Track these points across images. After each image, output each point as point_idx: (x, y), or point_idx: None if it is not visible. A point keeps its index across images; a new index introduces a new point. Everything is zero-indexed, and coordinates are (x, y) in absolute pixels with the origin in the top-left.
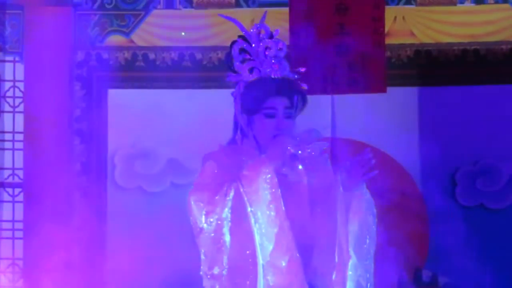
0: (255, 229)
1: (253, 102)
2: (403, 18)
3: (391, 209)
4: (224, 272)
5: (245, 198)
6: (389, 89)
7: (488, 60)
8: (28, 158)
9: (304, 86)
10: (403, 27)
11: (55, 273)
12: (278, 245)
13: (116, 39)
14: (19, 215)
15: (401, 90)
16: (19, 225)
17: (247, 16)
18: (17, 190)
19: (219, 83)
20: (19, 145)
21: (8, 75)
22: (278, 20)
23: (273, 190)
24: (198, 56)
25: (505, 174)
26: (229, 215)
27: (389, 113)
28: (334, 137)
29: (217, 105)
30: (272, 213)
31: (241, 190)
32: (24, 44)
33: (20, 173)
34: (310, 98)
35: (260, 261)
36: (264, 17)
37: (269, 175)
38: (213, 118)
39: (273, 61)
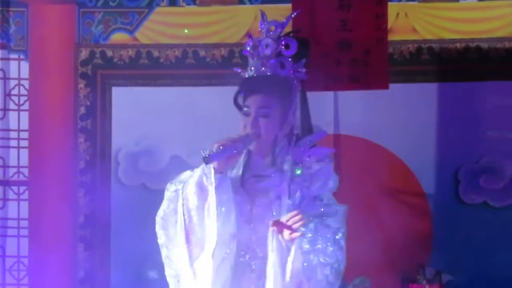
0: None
1: (235, 100)
2: (406, 14)
3: (394, 207)
4: None
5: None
6: (391, 85)
7: (490, 57)
8: (33, 156)
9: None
10: (406, 24)
11: (60, 271)
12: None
13: (120, 37)
14: (24, 213)
15: (403, 87)
16: (24, 223)
17: (250, 13)
18: (22, 188)
19: (222, 80)
20: (24, 143)
21: (13, 73)
22: (281, 16)
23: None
24: (202, 53)
25: (509, 172)
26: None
27: (392, 109)
28: (337, 133)
29: (221, 102)
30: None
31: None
32: (28, 42)
33: (25, 171)
34: (312, 94)
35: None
36: (264, 14)
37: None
38: (217, 115)
39: (264, 59)
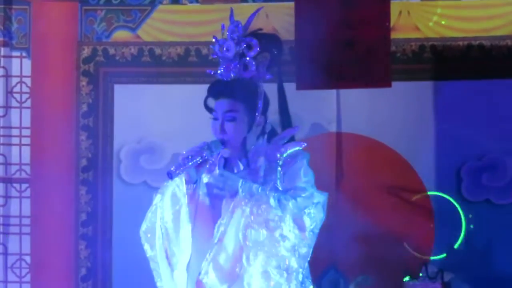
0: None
1: (205, 104)
2: (408, 12)
3: (396, 205)
4: None
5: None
6: (394, 83)
7: (493, 55)
8: (35, 153)
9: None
10: (408, 22)
11: (62, 269)
12: None
13: (122, 35)
14: (26, 210)
15: (406, 85)
16: (26, 221)
17: (253, 10)
18: (24, 186)
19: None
20: (26, 140)
21: (15, 71)
22: (284, 14)
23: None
24: (204, 51)
25: (511, 169)
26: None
27: (394, 107)
28: (339, 132)
29: None
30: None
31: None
32: (31, 40)
33: (27, 168)
34: (315, 92)
35: None
36: (231, 15)
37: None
38: None
39: (228, 62)
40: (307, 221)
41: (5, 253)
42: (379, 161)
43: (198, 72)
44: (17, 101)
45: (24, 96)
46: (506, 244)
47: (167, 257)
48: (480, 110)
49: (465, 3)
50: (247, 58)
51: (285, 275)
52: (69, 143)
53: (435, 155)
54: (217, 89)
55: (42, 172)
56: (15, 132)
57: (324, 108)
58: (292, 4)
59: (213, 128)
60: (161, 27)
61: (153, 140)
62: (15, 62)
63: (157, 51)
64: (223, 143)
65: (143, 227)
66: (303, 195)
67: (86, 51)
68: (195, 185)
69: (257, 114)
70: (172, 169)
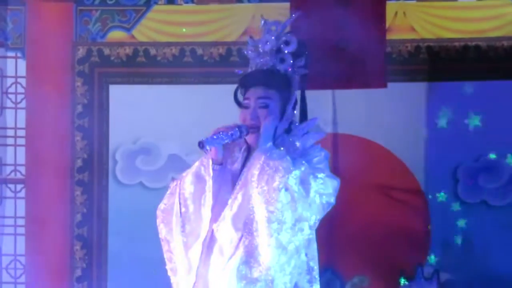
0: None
1: (235, 96)
2: (404, 13)
3: (392, 205)
4: None
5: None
6: (389, 84)
7: (489, 56)
8: (30, 154)
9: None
10: (404, 23)
11: (57, 269)
12: None
13: (117, 35)
14: (21, 211)
15: (401, 86)
16: (21, 221)
17: (248, 11)
18: (19, 186)
19: (220, 79)
20: (21, 141)
21: (10, 71)
22: (279, 15)
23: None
24: (199, 51)
25: (507, 171)
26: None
27: (390, 108)
28: (335, 132)
29: (218, 101)
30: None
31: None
32: (26, 40)
33: (22, 169)
34: (311, 93)
35: None
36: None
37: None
38: (214, 114)
39: (264, 55)
40: (313, 184)
41: (0, 254)
42: (375, 162)
43: (193, 73)
44: (12, 101)
45: (19, 97)
46: (502, 245)
47: (183, 235)
48: (476, 111)
49: (461, 4)
50: (285, 52)
51: (281, 221)
52: (64, 144)
53: (431, 156)
54: (251, 78)
55: (37, 173)
56: (10, 132)
57: (320, 109)
58: (287, 4)
59: (242, 116)
60: (156, 28)
61: (148, 140)
62: (10, 63)
63: (152, 51)
64: (253, 131)
65: (161, 206)
66: (318, 167)
67: (81, 52)
68: (220, 166)
69: (289, 106)
70: (204, 140)
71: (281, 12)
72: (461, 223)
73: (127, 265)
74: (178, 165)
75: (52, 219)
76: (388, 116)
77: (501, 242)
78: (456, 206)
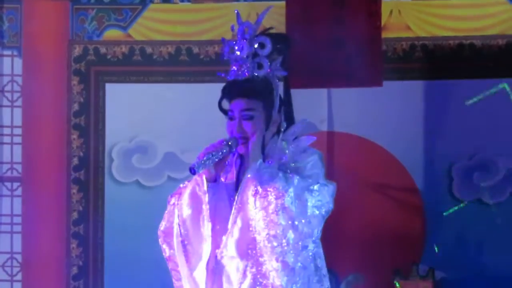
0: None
1: (219, 105)
2: (399, 12)
3: (387, 204)
4: None
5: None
6: (385, 83)
7: (484, 54)
8: (26, 152)
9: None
10: (399, 21)
11: (53, 268)
12: None
13: (113, 34)
14: (18, 209)
15: (397, 84)
16: (17, 219)
17: (244, 10)
18: (15, 185)
19: (216, 77)
20: (17, 139)
21: (6, 70)
22: (274, 14)
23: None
24: (195, 50)
25: (502, 168)
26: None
27: (385, 107)
28: (331, 130)
29: (214, 99)
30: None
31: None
32: (22, 39)
33: (19, 167)
34: (306, 92)
35: None
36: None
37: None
38: (210, 112)
39: (241, 62)
40: (310, 198)
41: None
42: (370, 160)
43: (189, 71)
44: (8, 100)
45: (16, 95)
46: (497, 243)
47: (185, 256)
48: (471, 109)
49: (456, 3)
50: (261, 57)
51: (284, 244)
52: (61, 142)
53: (426, 154)
54: (232, 90)
55: (33, 171)
56: (6, 131)
57: (315, 107)
58: (283, 3)
59: (228, 128)
60: (152, 26)
61: (144, 139)
62: (6, 61)
63: (148, 50)
64: (240, 140)
65: (162, 226)
66: (309, 180)
67: (77, 50)
68: (214, 183)
69: (273, 111)
70: (194, 165)
71: (277, 10)
72: (456, 221)
73: (124, 263)
74: (174, 163)
75: (48, 217)
76: (384, 114)
77: (496, 240)
78: (451, 204)
